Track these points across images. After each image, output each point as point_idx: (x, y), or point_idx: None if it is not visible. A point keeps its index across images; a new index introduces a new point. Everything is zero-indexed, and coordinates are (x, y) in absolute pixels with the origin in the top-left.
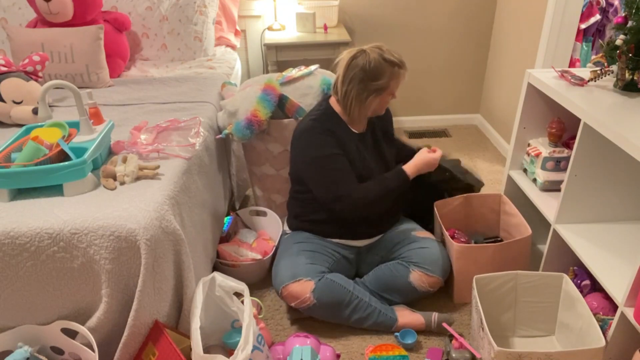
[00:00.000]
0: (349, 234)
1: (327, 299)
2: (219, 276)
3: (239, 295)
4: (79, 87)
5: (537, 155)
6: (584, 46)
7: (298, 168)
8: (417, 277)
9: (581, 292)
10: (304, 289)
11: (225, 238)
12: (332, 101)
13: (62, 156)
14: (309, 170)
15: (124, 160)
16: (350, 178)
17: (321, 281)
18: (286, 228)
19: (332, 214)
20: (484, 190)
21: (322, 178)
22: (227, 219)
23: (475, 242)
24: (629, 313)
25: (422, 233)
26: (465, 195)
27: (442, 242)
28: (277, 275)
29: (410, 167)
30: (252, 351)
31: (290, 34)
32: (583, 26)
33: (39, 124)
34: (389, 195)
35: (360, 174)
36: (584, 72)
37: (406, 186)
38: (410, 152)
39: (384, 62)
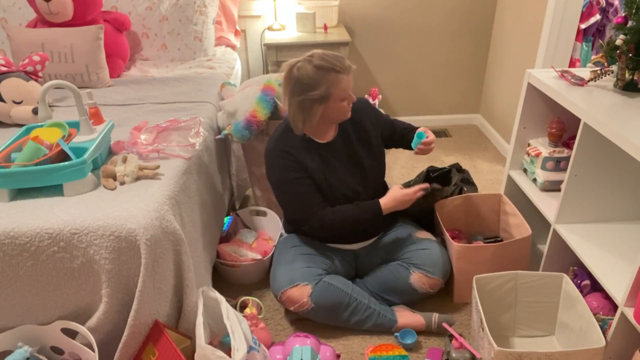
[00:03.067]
0: (342, 238)
1: (325, 302)
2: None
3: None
4: (79, 87)
5: (537, 155)
6: (584, 46)
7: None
8: (417, 279)
9: (581, 292)
10: (301, 293)
11: (225, 238)
12: None
13: (62, 156)
14: (276, 193)
15: (124, 160)
16: (314, 201)
17: (318, 285)
18: (283, 231)
19: None
20: (484, 191)
21: (286, 200)
22: (227, 219)
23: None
24: (629, 313)
25: (422, 234)
26: (465, 195)
27: (442, 242)
28: (275, 280)
29: (384, 203)
30: (248, 352)
31: (290, 34)
32: (583, 26)
33: (39, 124)
34: (359, 224)
35: (331, 185)
36: (584, 72)
37: (379, 219)
38: (413, 135)
39: (317, 70)
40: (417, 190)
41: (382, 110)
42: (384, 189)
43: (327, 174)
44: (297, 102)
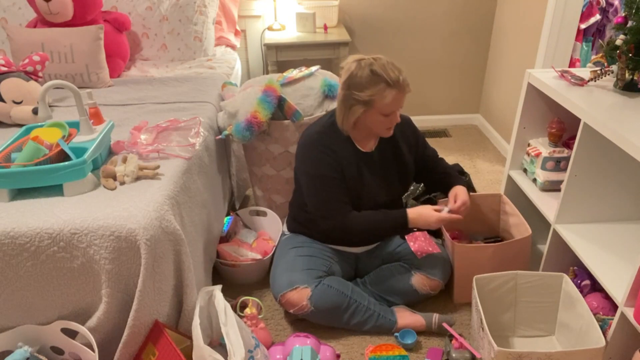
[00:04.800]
0: (346, 241)
1: (325, 305)
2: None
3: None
4: (79, 87)
5: (537, 155)
6: (584, 46)
7: (298, 175)
8: (418, 280)
9: (581, 292)
10: (301, 296)
11: (225, 238)
12: None
13: (62, 156)
14: (304, 182)
15: (124, 160)
16: (340, 203)
17: (318, 287)
18: (285, 229)
19: None
20: (484, 190)
21: (314, 194)
22: (227, 219)
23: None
24: (629, 313)
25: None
26: None
27: (443, 242)
28: (275, 283)
29: (412, 218)
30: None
31: (290, 34)
32: (583, 26)
33: (39, 124)
34: (379, 232)
35: (360, 195)
36: (584, 72)
37: (401, 231)
38: (451, 182)
39: (371, 75)
40: (446, 219)
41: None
42: (400, 206)
43: (358, 184)
44: (343, 94)
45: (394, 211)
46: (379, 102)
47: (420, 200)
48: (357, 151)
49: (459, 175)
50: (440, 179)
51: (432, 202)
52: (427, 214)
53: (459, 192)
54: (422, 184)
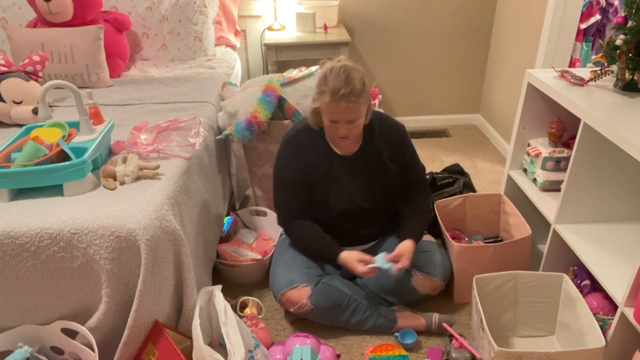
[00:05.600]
0: (340, 242)
1: (325, 303)
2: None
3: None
4: (79, 87)
5: (537, 155)
6: (584, 46)
7: None
8: (418, 281)
9: (581, 292)
10: (301, 295)
11: (225, 238)
12: None
13: (62, 156)
14: (273, 176)
15: (124, 160)
16: (290, 208)
17: (318, 286)
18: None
19: (318, 223)
20: (484, 190)
21: (274, 191)
22: (227, 219)
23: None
24: (629, 313)
25: (424, 236)
26: (465, 195)
27: (442, 242)
28: (275, 282)
29: (343, 257)
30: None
31: (290, 34)
32: (583, 26)
33: (39, 124)
34: (310, 252)
35: (328, 195)
36: (584, 72)
37: (329, 262)
38: (403, 231)
39: (321, 79)
40: (364, 272)
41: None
42: (388, 212)
43: (327, 184)
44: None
45: (332, 244)
46: (322, 106)
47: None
48: (331, 152)
49: (414, 226)
50: (399, 215)
51: None
52: (353, 265)
53: (402, 250)
54: None
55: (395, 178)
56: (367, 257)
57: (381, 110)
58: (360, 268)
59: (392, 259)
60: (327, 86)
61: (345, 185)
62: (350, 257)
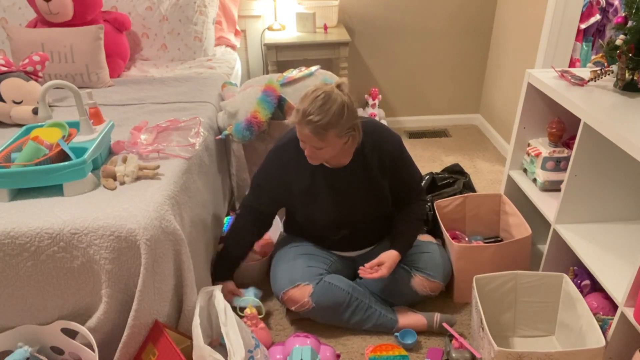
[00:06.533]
0: (335, 247)
1: (326, 302)
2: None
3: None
4: (79, 87)
5: (537, 155)
6: (584, 46)
7: None
8: (418, 282)
9: (581, 292)
10: (302, 293)
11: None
12: None
13: (62, 156)
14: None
15: (124, 160)
16: (246, 207)
17: (319, 285)
18: (282, 231)
19: (308, 234)
20: (484, 190)
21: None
22: (227, 219)
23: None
24: (629, 313)
25: (424, 237)
26: (465, 195)
27: (442, 242)
28: (276, 281)
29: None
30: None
31: (290, 34)
32: (583, 26)
33: (39, 124)
34: (217, 256)
35: (310, 209)
36: (584, 72)
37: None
38: (392, 239)
39: (304, 93)
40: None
41: (413, 164)
42: (384, 220)
43: (309, 197)
44: None
45: (225, 266)
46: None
47: None
48: (320, 166)
49: (404, 238)
50: (394, 222)
51: None
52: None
53: (384, 259)
54: None
55: (386, 191)
56: (237, 291)
57: (377, 119)
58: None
59: (371, 266)
60: (301, 105)
61: (326, 198)
62: (225, 287)
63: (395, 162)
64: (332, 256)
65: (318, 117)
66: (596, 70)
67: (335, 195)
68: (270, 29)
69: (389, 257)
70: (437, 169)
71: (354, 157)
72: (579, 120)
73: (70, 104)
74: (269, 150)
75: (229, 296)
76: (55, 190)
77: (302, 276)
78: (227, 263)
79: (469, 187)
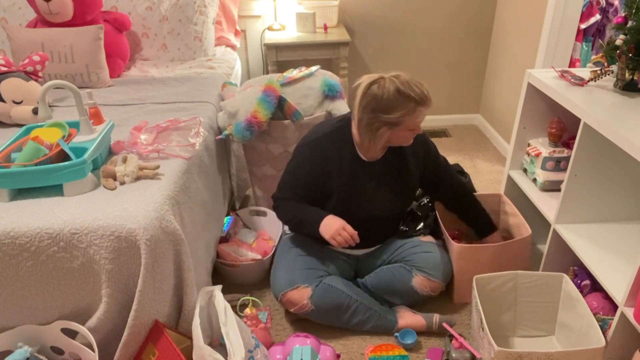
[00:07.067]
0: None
1: (325, 304)
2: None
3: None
4: (79, 87)
5: (537, 155)
6: (584, 46)
7: None
8: (419, 282)
9: (581, 292)
10: (301, 295)
11: (225, 238)
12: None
13: (62, 156)
14: (287, 163)
15: (124, 160)
16: (288, 190)
17: (318, 287)
18: (286, 229)
19: None
20: (484, 190)
21: (283, 173)
22: (227, 219)
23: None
24: (629, 313)
25: (424, 237)
26: None
27: (443, 242)
28: (275, 282)
29: (326, 220)
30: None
31: (290, 34)
32: (583, 26)
33: (39, 124)
34: (299, 227)
35: (351, 203)
36: (584, 72)
37: (314, 231)
38: (484, 227)
39: (398, 95)
40: (341, 231)
41: (443, 156)
42: (397, 219)
43: (351, 192)
44: (367, 118)
45: (316, 212)
46: (408, 120)
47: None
48: (357, 159)
49: (488, 219)
50: (465, 217)
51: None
52: (336, 221)
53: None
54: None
55: (416, 184)
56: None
57: None
58: (344, 222)
59: None
60: (414, 100)
61: (366, 192)
62: (336, 221)
63: (428, 153)
64: (334, 256)
65: (428, 91)
66: (596, 70)
67: (372, 187)
68: (270, 29)
69: (493, 238)
70: None
71: (389, 149)
72: (579, 120)
73: (70, 104)
74: (298, 147)
75: (349, 241)
76: (55, 190)
77: (302, 278)
78: (311, 208)
79: (469, 187)
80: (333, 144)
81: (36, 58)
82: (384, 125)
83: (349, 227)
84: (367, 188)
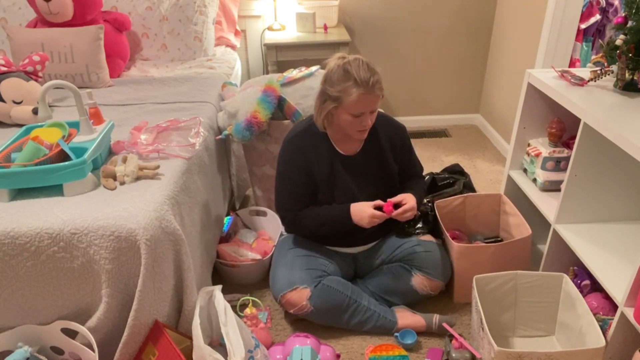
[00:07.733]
0: (339, 242)
1: (324, 305)
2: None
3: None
4: (79, 87)
5: (537, 155)
6: (584, 46)
7: None
8: (419, 281)
9: (581, 292)
10: (300, 296)
11: (225, 238)
12: None
13: (62, 156)
14: (275, 178)
15: (124, 160)
16: (295, 202)
17: (317, 287)
18: (283, 230)
19: None
20: (484, 190)
21: (277, 192)
22: (227, 219)
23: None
24: (629, 313)
25: (424, 236)
26: (465, 195)
27: (443, 242)
28: (274, 284)
29: (352, 210)
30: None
31: (290, 34)
32: (583, 26)
33: (39, 124)
34: (326, 225)
35: (333, 197)
36: (584, 72)
37: (347, 224)
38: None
39: (342, 72)
40: (377, 216)
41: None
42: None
43: (331, 185)
44: (319, 89)
45: (338, 205)
46: (345, 99)
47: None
48: (334, 152)
49: (414, 190)
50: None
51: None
52: (363, 210)
53: (404, 196)
54: None
55: (396, 175)
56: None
57: (381, 110)
58: (372, 212)
59: (396, 202)
60: (354, 79)
61: (348, 186)
62: (363, 206)
63: (404, 148)
64: (333, 255)
65: (376, 76)
66: (596, 70)
67: (353, 181)
68: (270, 29)
69: (407, 194)
70: (437, 169)
71: (367, 143)
72: (579, 120)
73: (70, 104)
74: (285, 141)
75: (367, 212)
76: (55, 190)
77: (301, 279)
78: (332, 207)
79: (469, 187)
80: (309, 139)
81: (36, 58)
82: (328, 99)
83: (375, 211)
84: (348, 181)
